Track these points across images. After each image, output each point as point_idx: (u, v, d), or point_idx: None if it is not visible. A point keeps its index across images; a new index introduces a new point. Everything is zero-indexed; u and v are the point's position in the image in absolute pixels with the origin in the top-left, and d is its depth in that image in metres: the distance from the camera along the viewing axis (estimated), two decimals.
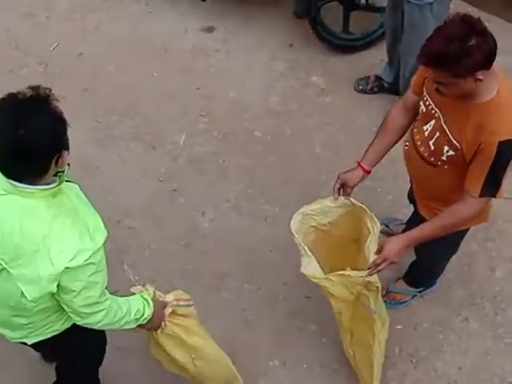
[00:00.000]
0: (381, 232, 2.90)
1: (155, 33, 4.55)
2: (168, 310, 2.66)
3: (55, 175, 2.23)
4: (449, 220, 2.66)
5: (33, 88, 2.12)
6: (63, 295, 2.27)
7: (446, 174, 2.68)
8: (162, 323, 2.66)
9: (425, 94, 2.66)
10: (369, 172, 2.89)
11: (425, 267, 3.31)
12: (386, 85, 4.22)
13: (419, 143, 2.72)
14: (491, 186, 2.56)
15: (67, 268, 2.18)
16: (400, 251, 2.69)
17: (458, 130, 2.55)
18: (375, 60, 4.35)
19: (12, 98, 2.11)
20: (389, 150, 2.88)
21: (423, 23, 3.56)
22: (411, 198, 3.14)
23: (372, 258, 2.69)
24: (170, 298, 2.68)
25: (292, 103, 4.25)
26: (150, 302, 2.56)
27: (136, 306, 2.51)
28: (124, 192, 3.81)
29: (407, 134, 2.85)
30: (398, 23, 3.78)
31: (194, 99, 4.23)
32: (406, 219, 3.30)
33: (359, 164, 2.89)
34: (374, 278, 2.73)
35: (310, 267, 2.75)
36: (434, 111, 2.63)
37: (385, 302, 3.03)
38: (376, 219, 2.80)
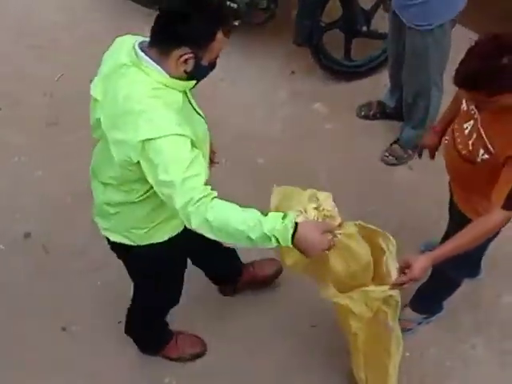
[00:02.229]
0: None
1: None
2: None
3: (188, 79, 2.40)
4: (472, 234, 2.57)
5: None
6: (145, 164, 2.32)
7: (483, 171, 2.62)
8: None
9: None
10: (440, 131, 3.02)
11: (432, 291, 3.29)
12: (388, 110, 4.23)
13: (459, 140, 2.69)
14: None
15: (147, 139, 2.26)
16: (426, 270, 2.63)
17: (492, 135, 2.53)
18: (378, 86, 4.37)
19: None
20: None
21: (424, 49, 3.58)
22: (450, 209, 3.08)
23: (394, 274, 2.62)
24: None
25: (294, 130, 4.26)
26: (286, 228, 2.31)
27: (270, 223, 2.31)
28: None
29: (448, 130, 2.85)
30: (400, 49, 3.79)
31: None
32: None
33: (432, 129, 3.09)
34: (395, 292, 2.66)
35: (328, 291, 2.70)
36: (473, 112, 2.61)
37: None
38: (390, 237, 2.71)
